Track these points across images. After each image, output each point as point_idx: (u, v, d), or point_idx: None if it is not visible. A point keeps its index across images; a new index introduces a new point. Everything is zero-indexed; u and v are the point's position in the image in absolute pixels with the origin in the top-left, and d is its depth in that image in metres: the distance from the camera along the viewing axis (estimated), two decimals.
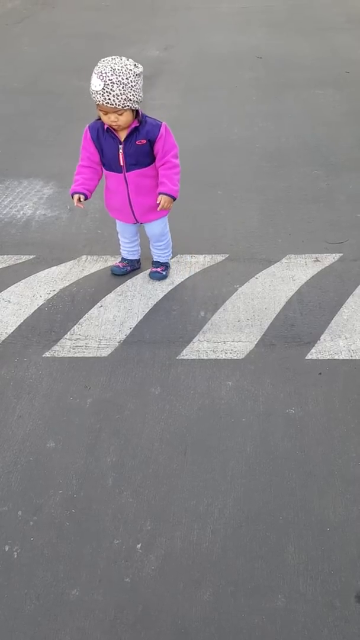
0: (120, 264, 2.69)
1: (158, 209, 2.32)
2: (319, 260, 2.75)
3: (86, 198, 2.33)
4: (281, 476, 1.77)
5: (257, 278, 2.63)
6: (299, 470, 1.79)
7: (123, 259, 2.70)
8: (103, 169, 2.36)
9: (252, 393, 2.06)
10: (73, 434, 1.92)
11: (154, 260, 2.67)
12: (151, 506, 1.70)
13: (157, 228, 2.53)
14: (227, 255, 2.80)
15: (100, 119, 2.22)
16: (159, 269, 2.65)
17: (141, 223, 2.51)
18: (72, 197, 2.34)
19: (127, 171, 2.30)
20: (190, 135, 4.00)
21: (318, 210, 3.17)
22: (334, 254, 2.79)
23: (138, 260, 2.72)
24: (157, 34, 6.61)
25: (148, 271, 2.68)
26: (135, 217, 2.45)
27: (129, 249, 2.66)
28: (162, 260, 2.66)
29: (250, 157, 3.78)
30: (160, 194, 2.29)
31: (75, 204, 2.33)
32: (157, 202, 2.30)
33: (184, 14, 7.50)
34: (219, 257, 2.79)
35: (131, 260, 2.69)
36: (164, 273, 2.64)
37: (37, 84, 5.15)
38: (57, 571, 1.55)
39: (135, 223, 2.51)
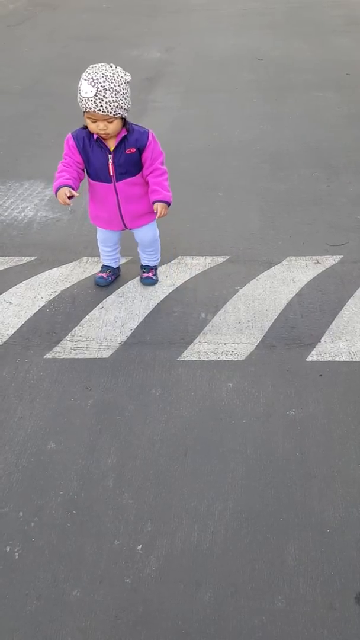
0: (104, 274, 2.61)
1: (157, 217, 2.27)
2: (319, 262, 2.76)
3: (73, 190, 2.12)
4: (281, 478, 1.78)
5: (257, 280, 2.64)
6: (299, 471, 1.79)
7: (106, 268, 2.63)
8: (87, 177, 2.29)
9: (253, 394, 2.07)
10: (74, 435, 1.93)
11: (144, 264, 2.64)
12: (152, 507, 1.70)
13: (149, 233, 2.50)
14: (228, 257, 2.81)
15: (85, 127, 2.17)
16: (150, 274, 2.62)
17: (130, 229, 2.47)
18: (56, 195, 2.12)
19: (117, 181, 2.25)
20: (191, 137, 4.00)
21: (318, 212, 3.17)
22: (334, 256, 2.80)
23: (119, 268, 2.68)
24: (158, 35, 6.63)
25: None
26: (124, 224, 2.41)
27: (111, 257, 2.60)
28: (152, 264, 2.63)
29: (251, 159, 3.79)
30: (155, 202, 2.25)
31: (62, 201, 2.10)
32: (154, 210, 2.25)
33: (184, 16, 7.52)
34: (220, 259, 2.79)
35: (114, 268, 2.64)
36: (154, 278, 2.62)
37: (38, 86, 5.17)
38: (58, 572, 1.56)
39: (123, 229, 2.46)
